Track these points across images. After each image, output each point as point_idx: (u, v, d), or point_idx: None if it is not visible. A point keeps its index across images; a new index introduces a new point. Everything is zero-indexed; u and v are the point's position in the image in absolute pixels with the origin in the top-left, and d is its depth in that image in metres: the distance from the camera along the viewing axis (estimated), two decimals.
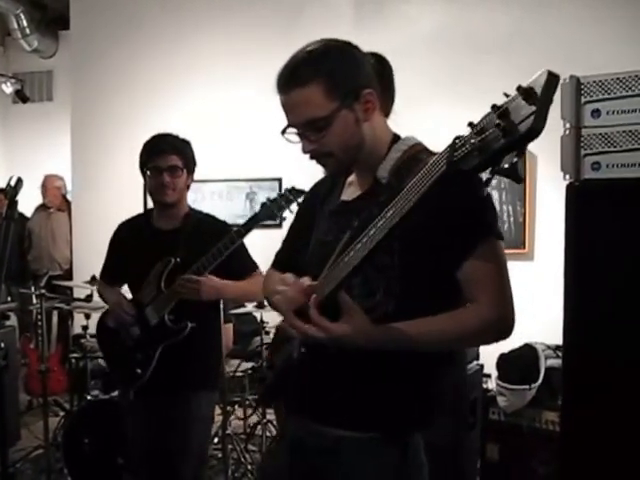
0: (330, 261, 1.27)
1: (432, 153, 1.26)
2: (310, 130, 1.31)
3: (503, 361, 3.07)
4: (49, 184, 5.80)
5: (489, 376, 3.23)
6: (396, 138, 1.38)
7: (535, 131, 0.90)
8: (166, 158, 2.32)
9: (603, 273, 1.88)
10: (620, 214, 1.86)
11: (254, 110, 4.50)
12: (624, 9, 3.79)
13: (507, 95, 0.95)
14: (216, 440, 3.59)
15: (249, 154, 4.88)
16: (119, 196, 5.05)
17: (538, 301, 3.74)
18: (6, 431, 3.56)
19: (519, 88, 0.92)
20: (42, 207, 5.91)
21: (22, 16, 6.56)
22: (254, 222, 2.20)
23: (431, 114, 3.95)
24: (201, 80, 4.91)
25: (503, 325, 1.29)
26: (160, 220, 2.45)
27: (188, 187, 2.42)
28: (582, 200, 1.88)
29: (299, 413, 1.45)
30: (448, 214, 1.21)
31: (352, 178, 1.45)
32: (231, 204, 5.00)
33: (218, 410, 3.25)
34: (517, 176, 0.97)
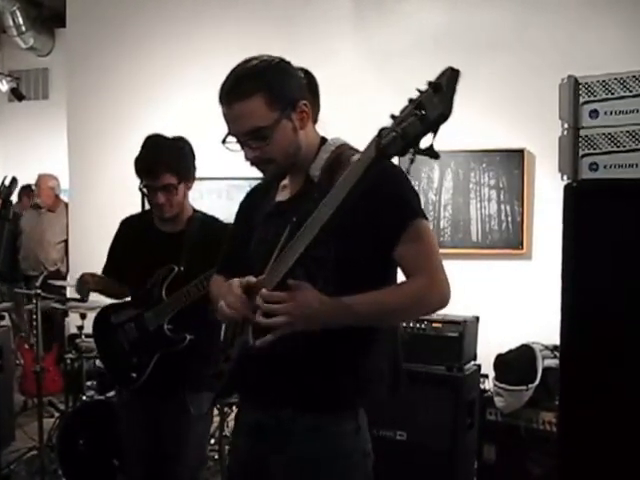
0: (273, 256, 1.40)
1: (357, 151, 1.41)
2: (252, 139, 1.45)
3: (500, 361, 3.06)
4: (43, 184, 5.69)
5: (486, 376, 3.22)
6: (324, 140, 1.54)
7: (444, 116, 1.07)
8: (159, 178, 2.25)
9: (600, 273, 1.87)
10: (618, 215, 1.85)
11: None
12: (624, 9, 3.77)
13: (419, 90, 1.11)
14: (213, 441, 3.58)
15: None
16: (116, 195, 5.01)
17: (536, 301, 3.74)
18: (0, 432, 3.55)
19: (429, 83, 1.09)
20: (33, 206, 5.81)
21: (18, 13, 6.53)
22: None
23: None
24: (199, 77, 4.87)
25: (439, 293, 1.43)
26: (164, 225, 2.41)
27: (190, 188, 2.38)
28: (580, 201, 1.87)
29: (255, 398, 1.56)
30: (377, 204, 1.36)
31: (285, 181, 1.58)
32: (231, 203, 4.95)
33: (215, 411, 3.25)
34: (434, 153, 1.12)
